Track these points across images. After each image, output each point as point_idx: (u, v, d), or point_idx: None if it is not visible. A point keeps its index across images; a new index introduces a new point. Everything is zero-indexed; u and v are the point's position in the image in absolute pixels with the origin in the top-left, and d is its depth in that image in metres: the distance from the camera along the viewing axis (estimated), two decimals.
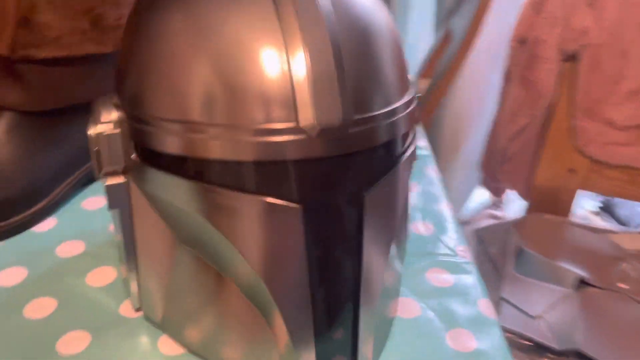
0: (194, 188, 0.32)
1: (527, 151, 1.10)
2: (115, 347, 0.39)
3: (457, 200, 1.38)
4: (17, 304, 0.42)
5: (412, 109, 0.36)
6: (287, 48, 0.29)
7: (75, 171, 0.54)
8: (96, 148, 0.34)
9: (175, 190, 0.33)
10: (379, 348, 0.39)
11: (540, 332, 0.78)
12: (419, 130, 0.75)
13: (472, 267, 0.49)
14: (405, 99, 0.35)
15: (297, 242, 0.31)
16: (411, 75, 0.40)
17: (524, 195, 1.16)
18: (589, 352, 0.73)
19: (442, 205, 0.58)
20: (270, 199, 0.30)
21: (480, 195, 1.44)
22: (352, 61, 0.31)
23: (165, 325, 0.40)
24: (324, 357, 0.35)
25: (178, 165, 0.32)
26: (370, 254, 0.34)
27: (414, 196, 0.59)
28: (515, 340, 0.79)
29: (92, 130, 0.33)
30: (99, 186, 0.56)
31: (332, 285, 0.35)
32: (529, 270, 0.91)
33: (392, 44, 0.34)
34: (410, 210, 0.54)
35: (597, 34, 0.95)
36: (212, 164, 0.31)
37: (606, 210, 1.42)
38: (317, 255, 0.33)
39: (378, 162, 0.34)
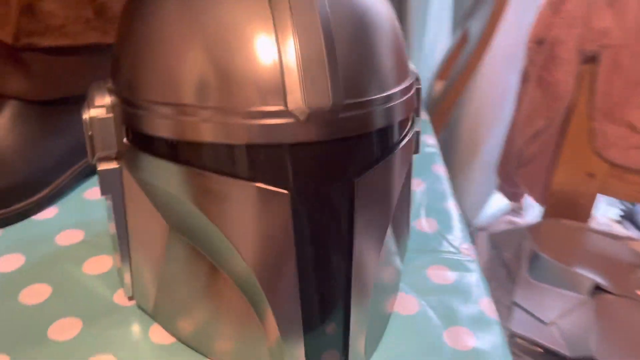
0: (183, 172, 0.32)
1: (544, 154, 1.08)
2: (105, 334, 0.39)
3: (474, 205, 1.35)
4: (13, 289, 0.42)
5: (410, 97, 0.35)
6: (278, 31, 0.29)
7: (78, 161, 0.54)
8: (90, 133, 0.34)
9: (165, 175, 0.32)
10: (373, 343, 0.38)
11: (553, 339, 0.76)
12: (428, 127, 0.74)
13: (475, 266, 0.47)
14: (402, 86, 0.34)
15: (285, 228, 0.31)
16: (413, 66, 0.39)
17: (540, 200, 1.13)
18: None
19: (448, 204, 0.56)
20: (258, 184, 0.30)
21: (499, 202, 1.42)
22: (345, 46, 0.30)
23: (157, 314, 0.39)
24: (314, 351, 0.34)
25: (168, 150, 0.32)
26: (362, 245, 0.33)
27: (419, 193, 0.58)
28: (527, 347, 0.77)
29: (86, 115, 0.34)
30: None
31: (322, 276, 0.34)
32: (543, 275, 0.89)
33: (389, 31, 0.34)
34: (412, 207, 0.54)
35: (618, 35, 0.93)
36: (202, 147, 0.31)
37: (628, 218, 1.39)
38: (307, 243, 0.32)
39: (371, 149, 0.34)
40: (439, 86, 1.29)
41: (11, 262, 0.45)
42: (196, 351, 0.37)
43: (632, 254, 0.93)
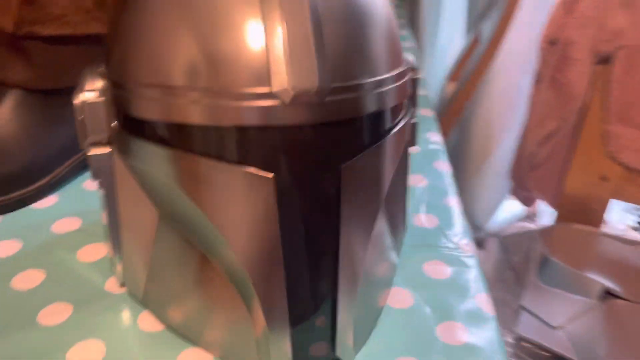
0: (170, 156, 0.31)
1: (557, 157, 1.06)
2: (94, 321, 0.38)
3: (486, 210, 1.33)
4: (6, 275, 0.42)
5: (402, 84, 0.34)
6: (264, 13, 0.29)
7: (79, 151, 0.55)
8: (81, 117, 0.34)
9: (154, 160, 0.32)
10: (362, 336, 0.37)
11: (560, 343, 0.74)
12: (433, 124, 0.73)
13: (474, 261, 0.46)
14: (394, 72, 0.33)
15: (270, 214, 0.30)
16: (412, 57, 0.38)
17: (552, 203, 1.11)
18: None
19: (449, 200, 0.55)
20: (243, 168, 0.30)
21: (513, 207, 1.40)
22: (334, 29, 0.30)
23: (147, 301, 0.39)
24: (302, 342, 0.34)
25: (157, 134, 0.32)
26: (350, 233, 0.32)
27: (420, 190, 0.57)
28: (533, 351, 0.75)
29: (77, 99, 0.34)
30: None
31: (308, 264, 0.33)
32: (553, 279, 0.87)
33: (382, 18, 0.34)
34: (413, 202, 0.53)
35: (632, 35, 0.91)
36: (190, 130, 0.31)
37: None
38: (293, 230, 0.32)
39: (360, 135, 0.33)
40: (451, 87, 1.28)
41: (7, 248, 0.45)
42: (185, 339, 0.37)
43: None
